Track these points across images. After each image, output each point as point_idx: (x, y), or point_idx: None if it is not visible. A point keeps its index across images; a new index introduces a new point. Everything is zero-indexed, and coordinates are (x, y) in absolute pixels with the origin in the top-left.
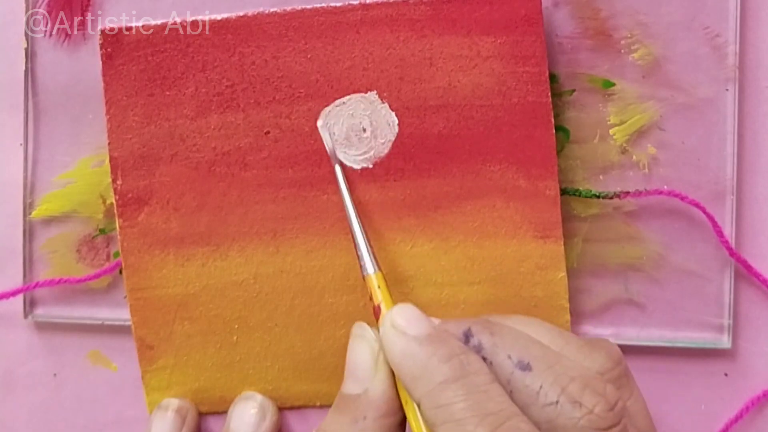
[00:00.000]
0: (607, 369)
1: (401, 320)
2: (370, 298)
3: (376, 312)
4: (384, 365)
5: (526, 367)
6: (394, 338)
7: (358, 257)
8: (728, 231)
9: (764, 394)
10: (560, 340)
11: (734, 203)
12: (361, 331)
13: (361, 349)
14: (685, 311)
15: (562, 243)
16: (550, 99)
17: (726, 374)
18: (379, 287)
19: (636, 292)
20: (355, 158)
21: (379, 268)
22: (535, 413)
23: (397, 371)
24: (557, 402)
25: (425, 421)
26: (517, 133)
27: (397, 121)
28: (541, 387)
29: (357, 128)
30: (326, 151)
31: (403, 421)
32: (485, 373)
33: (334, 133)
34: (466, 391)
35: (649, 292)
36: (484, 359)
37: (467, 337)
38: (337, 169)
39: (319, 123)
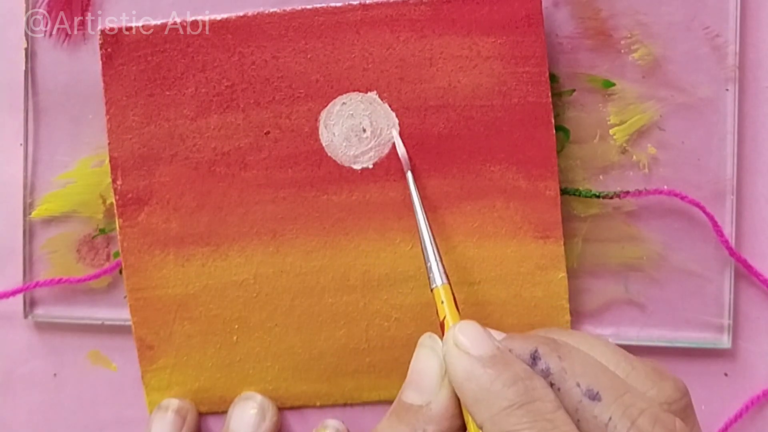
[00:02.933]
0: (674, 400)
1: (464, 339)
2: (437, 312)
3: (442, 326)
4: (449, 382)
5: (595, 396)
6: (457, 358)
7: (427, 269)
8: (728, 231)
9: (764, 394)
10: (626, 365)
11: (734, 203)
12: (431, 342)
13: (429, 360)
14: (685, 311)
15: (562, 243)
16: (551, 99)
17: (726, 374)
18: (443, 302)
19: (636, 292)
20: (355, 158)
21: (448, 281)
22: None
23: (460, 392)
24: None
25: None
26: (518, 134)
27: (397, 122)
28: (610, 419)
29: (357, 128)
30: (326, 151)
31: None
32: (551, 400)
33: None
34: (532, 418)
35: (649, 292)
36: (551, 384)
37: (534, 359)
38: (409, 176)
39: (394, 132)
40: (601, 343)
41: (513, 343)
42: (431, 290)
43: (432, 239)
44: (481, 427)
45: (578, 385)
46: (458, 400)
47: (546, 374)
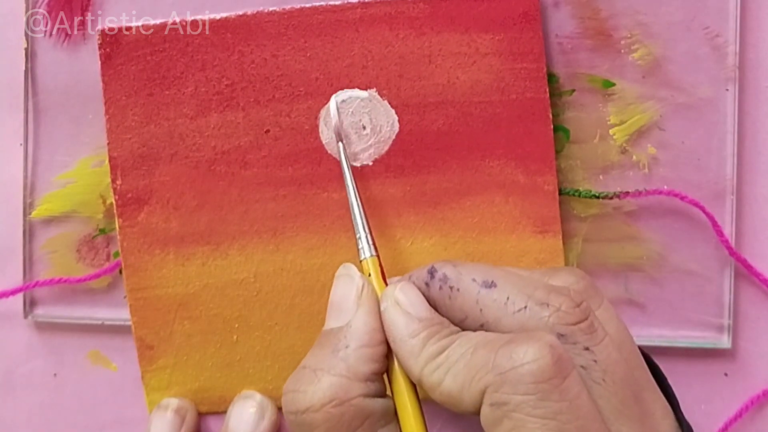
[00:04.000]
0: (570, 283)
1: (404, 298)
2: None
3: None
4: (367, 299)
5: (491, 285)
6: (396, 315)
7: (357, 240)
8: (728, 231)
9: (764, 393)
10: (524, 271)
11: (734, 203)
12: (346, 271)
13: (346, 285)
14: (685, 311)
15: (560, 238)
16: (548, 95)
17: (726, 374)
18: (370, 275)
19: (636, 292)
20: (355, 156)
21: (376, 253)
22: (506, 324)
23: (394, 346)
24: (526, 307)
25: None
26: (516, 129)
27: (396, 119)
28: (508, 298)
29: (357, 126)
30: (326, 149)
31: (384, 356)
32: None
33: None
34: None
35: (649, 292)
36: (451, 288)
37: (432, 273)
38: (341, 146)
39: (332, 104)
40: (504, 267)
41: (412, 272)
42: (359, 262)
43: (362, 212)
44: (419, 382)
45: (474, 280)
46: (378, 316)
47: (444, 280)
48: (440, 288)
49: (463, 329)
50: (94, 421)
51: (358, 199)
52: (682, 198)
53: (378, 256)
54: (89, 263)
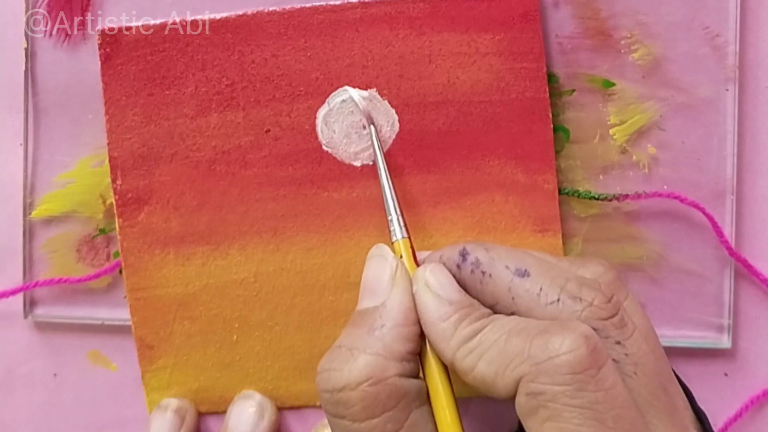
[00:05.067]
0: (599, 274)
1: (434, 280)
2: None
3: None
4: (402, 279)
5: (524, 273)
6: (426, 297)
7: (389, 222)
8: (728, 231)
9: (764, 393)
10: (551, 258)
11: (734, 203)
12: (379, 251)
13: (380, 265)
14: (685, 311)
15: (560, 237)
16: (548, 94)
17: (726, 374)
18: (402, 255)
19: (636, 292)
20: (356, 155)
21: (408, 235)
22: (539, 314)
23: (427, 330)
24: (558, 300)
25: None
26: (516, 129)
27: (397, 118)
28: (541, 289)
29: (357, 125)
30: (322, 147)
31: (419, 335)
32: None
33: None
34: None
35: (649, 292)
36: (483, 273)
37: (464, 256)
38: (372, 129)
39: (354, 93)
40: (529, 250)
41: (442, 251)
42: (391, 243)
43: (393, 194)
44: (451, 364)
45: (507, 267)
46: (412, 297)
47: (477, 265)
48: (472, 272)
49: (496, 312)
50: (94, 421)
51: (390, 181)
52: (682, 200)
53: (410, 237)
54: (89, 263)
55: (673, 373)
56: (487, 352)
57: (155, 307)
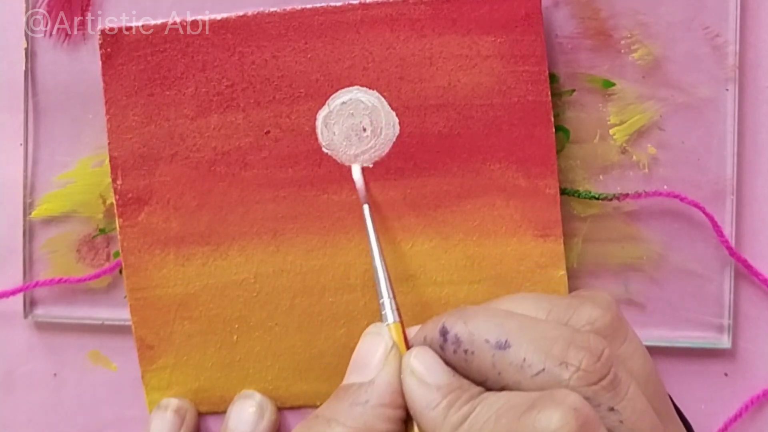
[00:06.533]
0: (595, 318)
1: (419, 365)
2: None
3: None
4: (394, 360)
5: (504, 345)
6: (413, 386)
7: (380, 305)
8: (728, 231)
9: (764, 393)
10: (546, 304)
11: (734, 203)
12: (376, 330)
13: (374, 342)
14: (685, 311)
15: (561, 241)
16: (550, 98)
17: (726, 374)
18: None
19: (636, 292)
20: (356, 158)
21: (400, 318)
22: (527, 387)
23: (417, 419)
24: (544, 369)
25: None
26: (517, 132)
27: (397, 121)
28: (524, 359)
29: (357, 128)
30: (322, 148)
31: (402, 420)
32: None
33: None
34: None
35: (649, 292)
36: (465, 351)
37: (444, 335)
38: (366, 209)
39: (355, 170)
40: (520, 296)
41: (426, 330)
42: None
43: (386, 276)
44: None
45: (487, 341)
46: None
47: (458, 344)
48: (454, 351)
49: (487, 388)
50: (94, 421)
51: (383, 263)
52: (682, 199)
53: (402, 322)
54: (89, 263)
55: (673, 411)
56: None
57: (155, 307)
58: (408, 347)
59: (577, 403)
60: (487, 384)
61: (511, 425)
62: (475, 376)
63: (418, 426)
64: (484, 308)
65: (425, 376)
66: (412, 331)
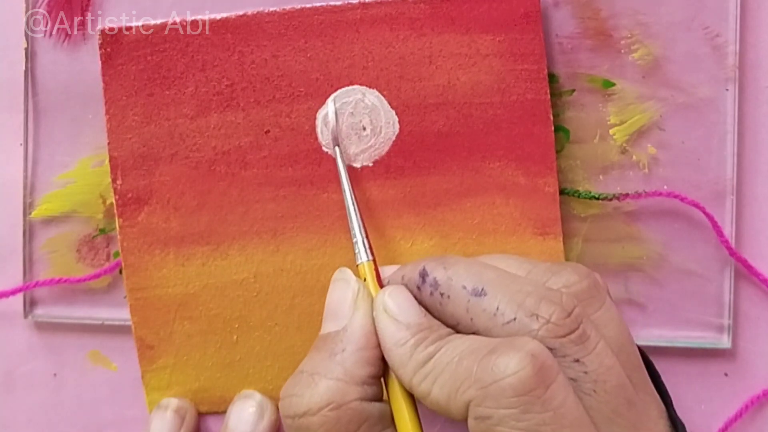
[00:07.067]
0: (572, 283)
1: (392, 304)
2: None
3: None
4: (363, 303)
5: (480, 292)
6: (385, 323)
7: (354, 244)
8: (728, 231)
9: (764, 393)
10: (528, 265)
11: (734, 203)
12: (342, 275)
13: (342, 289)
14: (685, 311)
15: (561, 239)
16: (549, 96)
17: (726, 374)
18: (365, 279)
19: (636, 292)
20: (356, 156)
21: (372, 257)
22: (497, 334)
23: (387, 355)
24: (515, 318)
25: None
26: (517, 131)
27: (397, 119)
28: (497, 308)
29: (357, 126)
30: (322, 148)
31: (380, 359)
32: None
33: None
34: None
35: (649, 292)
36: (441, 294)
37: (423, 276)
38: (337, 151)
39: (330, 108)
40: (505, 256)
41: (405, 270)
42: (356, 266)
43: (358, 215)
44: (410, 388)
45: (464, 287)
46: (373, 320)
47: (435, 286)
48: (431, 294)
49: (458, 332)
50: (94, 421)
51: (355, 203)
52: (682, 199)
53: (374, 260)
54: (89, 263)
55: (648, 383)
56: (440, 376)
57: (155, 307)
58: (381, 286)
59: (536, 349)
60: (458, 329)
61: (471, 367)
62: (448, 320)
63: (388, 363)
64: (466, 258)
65: (397, 314)
66: (389, 270)
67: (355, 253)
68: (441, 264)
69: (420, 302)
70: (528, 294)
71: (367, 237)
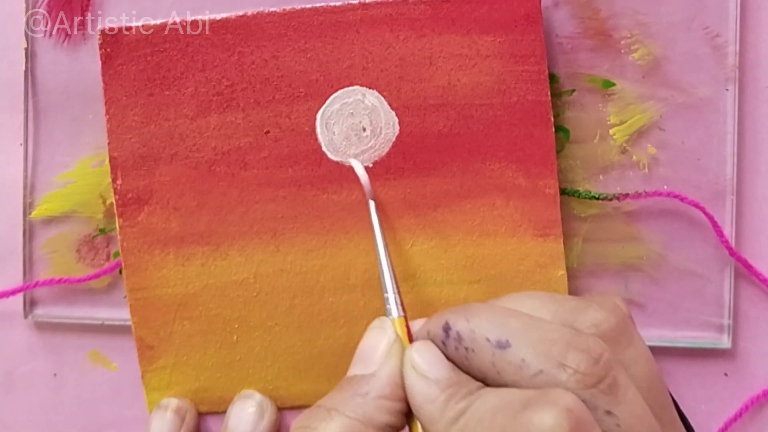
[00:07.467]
0: (600, 321)
1: (420, 360)
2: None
3: None
4: (397, 354)
5: (504, 345)
6: (414, 380)
7: (385, 300)
8: (728, 231)
9: (764, 393)
10: (552, 305)
11: (734, 203)
12: (380, 324)
13: (377, 337)
14: (685, 311)
15: (561, 241)
16: (550, 98)
17: (726, 374)
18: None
19: (636, 292)
20: (356, 157)
21: (403, 312)
22: (526, 386)
23: (417, 414)
24: (542, 371)
25: None
26: (517, 132)
27: (397, 120)
28: (523, 360)
29: (357, 127)
30: (324, 151)
31: (402, 413)
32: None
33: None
34: None
35: (649, 292)
36: (466, 349)
37: (446, 331)
38: (371, 204)
39: (357, 166)
40: (527, 295)
41: (430, 325)
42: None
43: (391, 271)
44: None
45: (488, 339)
46: (401, 372)
47: (459, 340)
48: (456, 348)
49: (487, 385)
50: (94, 421)
51: (388, 259)
52: (682, 199)
53: (405, 316)
54: (89, 263)
55: (676, 418)
56: None
57: (155, 307)
58: (411, 341)
59: (572, 403)
60: (487, 381)
61: (506, 423)
62: (476, 373)
63: (419, 421)
64: (488, 306)
65: (426, 371)
66: (416, 325)
67: (386, 309)
68: (463, 315)
69: (447, 357)
70: (554, 342)
71: (399, 292)
